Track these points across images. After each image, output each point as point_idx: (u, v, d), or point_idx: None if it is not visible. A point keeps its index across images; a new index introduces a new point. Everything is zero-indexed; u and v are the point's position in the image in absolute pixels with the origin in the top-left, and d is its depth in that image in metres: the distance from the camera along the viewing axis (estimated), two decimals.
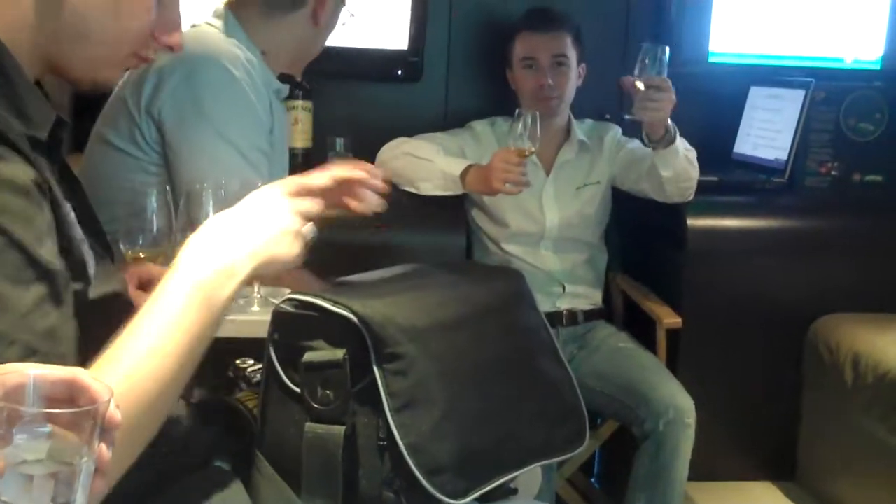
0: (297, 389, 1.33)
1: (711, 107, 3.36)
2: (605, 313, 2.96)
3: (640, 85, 2.49)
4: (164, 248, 1.76)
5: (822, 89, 3.05)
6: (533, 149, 2.46)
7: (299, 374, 1.32)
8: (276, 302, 1.42)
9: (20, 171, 1.02)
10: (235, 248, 1.13)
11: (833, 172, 3.08)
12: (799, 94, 3.04)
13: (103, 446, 0.82)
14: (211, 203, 1.75)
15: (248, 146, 1.90)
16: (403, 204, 2.77)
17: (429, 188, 2.68)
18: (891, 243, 2.99)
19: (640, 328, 2.91)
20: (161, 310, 1.08)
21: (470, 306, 1.42)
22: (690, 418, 2.50)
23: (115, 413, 0.83)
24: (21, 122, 1.10)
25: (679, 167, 2.65)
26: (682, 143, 2.64)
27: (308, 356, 1.31)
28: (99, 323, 1.19)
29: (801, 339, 2.96)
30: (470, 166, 2.60)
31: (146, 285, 1.44)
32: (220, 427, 1.39)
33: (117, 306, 1.24)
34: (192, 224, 1.73)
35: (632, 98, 2.55)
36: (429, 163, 2.68)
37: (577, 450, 1.47)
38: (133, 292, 1.40)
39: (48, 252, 1.03)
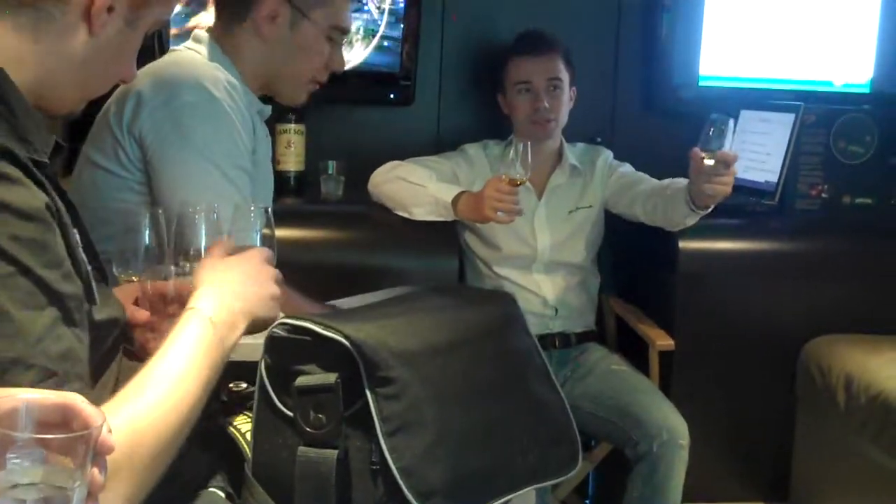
0: (290, 413, 1.33)
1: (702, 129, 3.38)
2: (597, 336, 2.96)
3: (709, 161, 2.45)
4: (158, 270, 1.76)
5: (812, 112, 3.07)
6: (525, 178, 2.46)
7: (292, 399, 1.33)
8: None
9: (30, 197, 1.05)
10: (236, 305, 1.27)
11: (823, 195, 3.09)
12: (789, 118, 3.05)
13: (96, 471, 0.83)
14: (203, 227, 1.75)
15: (230, 165, 1.91)
16: (396, 227, 2.79)
17: (421, 213, 2.69)
18: (881, 265, 3.01)
19: (633, 350, 2.91)
20: (181, 348, 1.18)
21: (462, 330, 1.42)
22: (684, 440, 2.50)
23: (107, 437, 0.84)
24: (23, 147, 1.11)
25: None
26: None
27: (300, 380, 1.32)
28: (97, 346, 1.20)
29: (793, 360, 2.96)
30: (462, 193, 2.61)
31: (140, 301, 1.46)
32: (215, 452, 1.39)
33: (115, 332, 1.24)
34: (183, 248, 1.74)
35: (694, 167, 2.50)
36: (421, 188, 2.68)
37: (569, 473, 1.48)
38: (129, 308, 1.41)
39: (61, 275, 1.05)
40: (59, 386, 0.99)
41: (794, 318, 2.96)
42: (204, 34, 2.07)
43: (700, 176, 2.48)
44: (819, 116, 3.08)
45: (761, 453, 3.01)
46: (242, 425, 1.42)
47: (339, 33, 2.07)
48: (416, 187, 2.70)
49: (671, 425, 2.50)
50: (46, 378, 0.99)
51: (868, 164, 3.11)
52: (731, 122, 2.47)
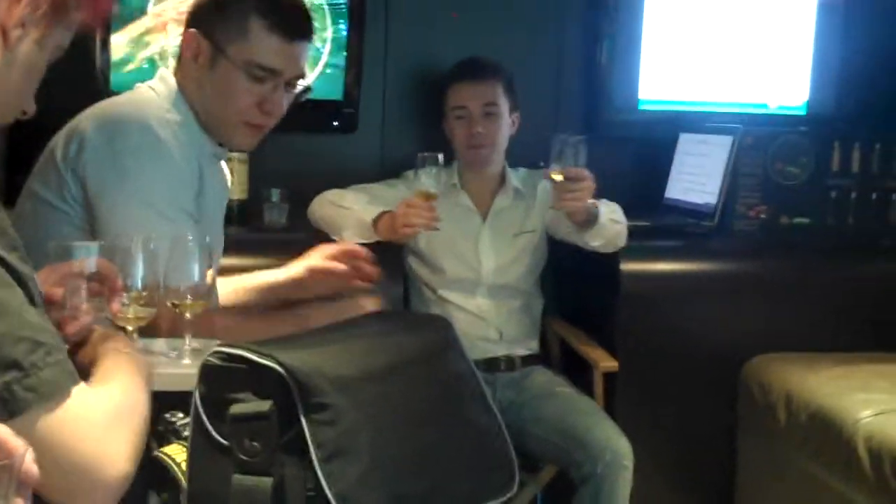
0: (225, 442, 1.33)
1: (642, 153, 3.44)
2: (542, 358, 2.98)
3: (556, 177, 2.48)
4: (96, 302, 1.75)
5: (750, 135, 3.12)
6: (434, 191, 2.46)
7: (226, 427, 1.33)
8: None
9: None
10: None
11: (762, 216, 3.14)
12: (727, 140, 3.11)
13: (19, 501, 0.83)
14: (141, 257, 1.76)
15: (172, 208, 1.90)
16: None
17: (349, 236, 2.68)
18: (818, 284, 3.06)
19: (578, 372, 2.93)
20: (116, 360, 1.28)
21: (398, 355, 1.43)
22: (628, 460, 2.52)
23: (31, 466, 0.84)
24: None
25: (608, 234, 2.68)
26: (605, 210, 2.63)
27: (235, 408, 1.32)
28: None
29: (734, 379, 3.00)
30: (383, 213, 2.61)
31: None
32: (149, 481, 1.39)
33: None
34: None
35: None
36: (348, 211, 2.70)
37: (507, 496, 1.49)
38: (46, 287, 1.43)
39: (19, 258, 1.10)
40: (48, 355, 1.06)
41: (734, 338, 3.00)
42: (168, 73, 2.06)
43: (555, 195, 2.51)
44: (756, 139, 3.14)
45: (705, 472, 3.04)
46: (178, 455, 1.42)
47: (262, 71, 1.95)
48: (343, 210, 2.71)
49: (615, 446, 2.52)
50: (36, 348, 1.05)
51: (805, 184, 3.16)
52: (580, 139, 2.50)
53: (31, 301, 1.10)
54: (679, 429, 2.98)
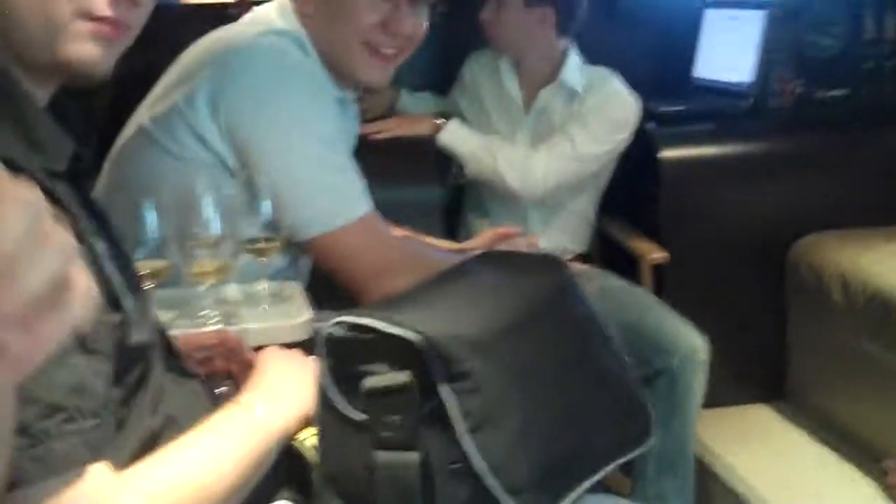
0: (359, 418, 1.24)
1: (666, 31, 3.31)
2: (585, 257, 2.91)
3: None
4: (167, 259, 1.66)
5: (780, 7, 3.00)
6: None
7: (361, 401, 1.23)
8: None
9: None
10: (293, 408, 1.28)
11: (797, 90, 3.05)
12: (758, 15, 2.98)
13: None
14: (211, 209, 1.66)
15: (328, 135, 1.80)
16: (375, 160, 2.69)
17: None
18: (860, 157, 2.99)
19: (622, 267, 2.86)
20: (220, 437, 1.15)
21: (525, 307, 1.33)
22: (704, 354, 2.41)
23: None
24: (35, 153, 1.00)
25: None
26: None
27: (371, 381, 1.22)
28: (131, 372, 1.09)
29: (783, 261, 2.95)
30: None
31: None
32: (278, 469, 1.30)
33: (143, 358, 1.13)
34: (184, 232, 1.64)
35: None
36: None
37: (646, 443, 1.41)
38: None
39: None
40: (68, 422, 0.92)
41: (781, 218, 2.94)
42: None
43: None
44: (787, 11, 3.02)
45: (757, 356, 3.01)
46: (301, 434, 1.32)
47: None
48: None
49: (690, 341, 2.41)
50: (52, 413, 0.91)
51: (839, 55, 3.07)
52: None
53: (86, 346, 0.95)
54: (729, 315, 2.93)
